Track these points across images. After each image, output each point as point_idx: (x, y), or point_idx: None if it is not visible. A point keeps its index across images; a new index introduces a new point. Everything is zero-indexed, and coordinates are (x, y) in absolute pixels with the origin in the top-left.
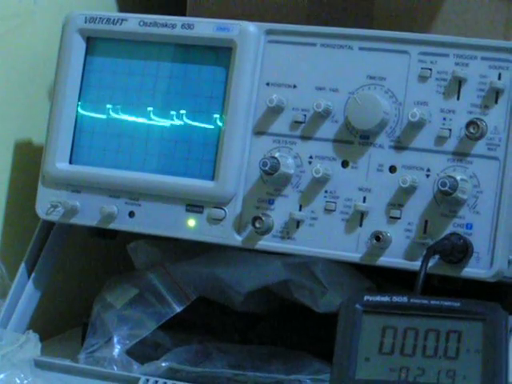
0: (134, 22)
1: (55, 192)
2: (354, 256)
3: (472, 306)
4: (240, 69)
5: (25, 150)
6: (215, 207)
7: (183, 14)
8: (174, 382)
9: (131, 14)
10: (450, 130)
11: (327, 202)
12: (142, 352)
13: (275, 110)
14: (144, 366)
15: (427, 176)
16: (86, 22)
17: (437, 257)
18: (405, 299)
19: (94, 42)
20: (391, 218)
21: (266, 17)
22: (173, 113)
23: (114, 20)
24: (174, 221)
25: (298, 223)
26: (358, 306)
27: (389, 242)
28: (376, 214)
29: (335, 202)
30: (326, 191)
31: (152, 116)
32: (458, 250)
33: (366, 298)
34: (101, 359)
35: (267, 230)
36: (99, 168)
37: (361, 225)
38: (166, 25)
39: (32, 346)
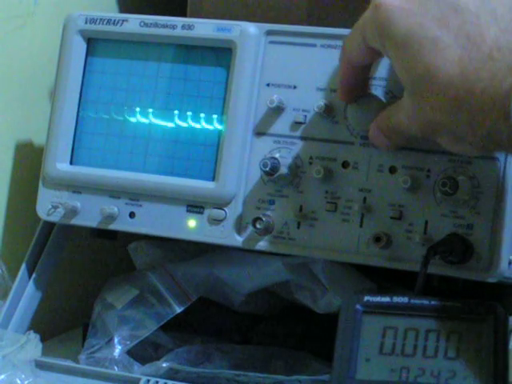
0: (134, 23)
1: (56, 193)
2: (355, 256)
3: (472, 307)
4: (240, 69)
5: (25, 150)
6: (215, 208)
7: (184, 15)
8: (175, 382)
9: (132, 15)
10: None
11: (328, 202)
12: (142, 352)
13: (275, 111)
14: (145, 367)
15: (427, 176)
16: (86, 23)
17: (437, 257)
18: (405, 300)
19: (94, 43)
20: (391, 218)
21: (267, 17)
22: (173, 113)
23: (114, 21)
24: (174, 221)
25: (299, 224)
26: (358, 306)
27: (389, 243)
28: (376, 214)
29: (336, 203)
30: (326, 192)
31: (152, 117)
32: (459, 251)
33: (366, 298)
34: (101, 360)
35: (268, 231)
36: (100, 169)
37: (361, 225)
38: (167, 25)
39: (33, 346)
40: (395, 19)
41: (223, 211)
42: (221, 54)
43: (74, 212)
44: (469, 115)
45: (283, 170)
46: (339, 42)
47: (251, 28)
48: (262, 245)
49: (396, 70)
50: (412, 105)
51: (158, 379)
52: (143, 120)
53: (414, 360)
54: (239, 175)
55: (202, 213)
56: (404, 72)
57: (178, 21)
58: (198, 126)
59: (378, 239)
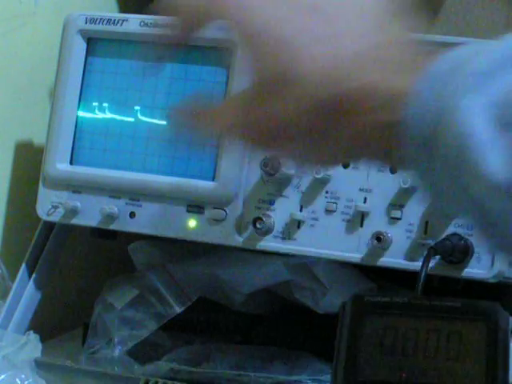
0: (134, 23)
1: (56, 193)
2: (355, 256)
3: (473, 307)
4: (241, 69)
5: (25, 150)
6: (216, 208)
7: None
8: (175, 382)
9: (132, 15)
10: None
11: (328, 202)
12: (142, 352)
13: None
14: (145, 367)
15: None
16: (86, 23)
17: (437, 257)
18: (405, 300)
19: (94, 43)
20: (392, 218)
21: None
22: None
23: (114, 21)
24: (174, 221)
25: (299, 224)
26: (358, 306)
27: (389, 243)
28: (377, 214)
29: (336, 203)
30: (326, 192)
31: (152, 117)
32: (459, 251)
33: (366, 298)
34: (102, 360)
35: (268, 231)
36: (100, 169)
37: (362, 225)
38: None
39: (33, 346)
40: (252, 13)
41: (223, 211)
42: (221, 54)
43: (74, 212)
44: (334, 114)
45: (283, 169)
46: None
47: None
48: (262, 245)
49: (250, 68)
50: (256, 105)
51: (157, 379)
52: (143, 120)
53: (415, 360)
54: (239, 175)
55: (202, 213)
56: (258, 70)
57: None
58: None
59: (378, 239)
